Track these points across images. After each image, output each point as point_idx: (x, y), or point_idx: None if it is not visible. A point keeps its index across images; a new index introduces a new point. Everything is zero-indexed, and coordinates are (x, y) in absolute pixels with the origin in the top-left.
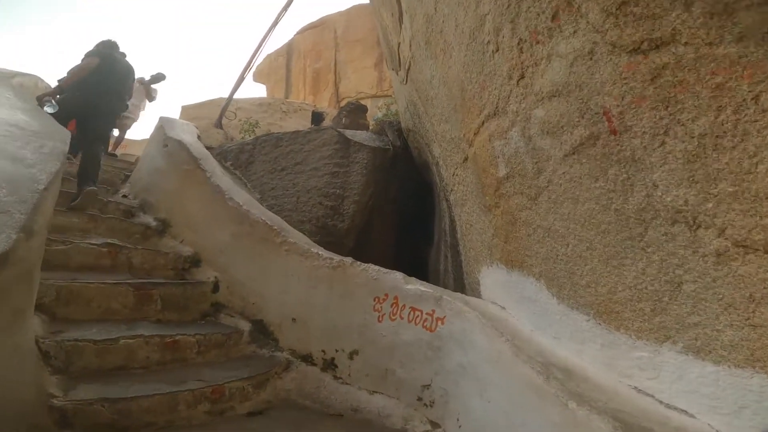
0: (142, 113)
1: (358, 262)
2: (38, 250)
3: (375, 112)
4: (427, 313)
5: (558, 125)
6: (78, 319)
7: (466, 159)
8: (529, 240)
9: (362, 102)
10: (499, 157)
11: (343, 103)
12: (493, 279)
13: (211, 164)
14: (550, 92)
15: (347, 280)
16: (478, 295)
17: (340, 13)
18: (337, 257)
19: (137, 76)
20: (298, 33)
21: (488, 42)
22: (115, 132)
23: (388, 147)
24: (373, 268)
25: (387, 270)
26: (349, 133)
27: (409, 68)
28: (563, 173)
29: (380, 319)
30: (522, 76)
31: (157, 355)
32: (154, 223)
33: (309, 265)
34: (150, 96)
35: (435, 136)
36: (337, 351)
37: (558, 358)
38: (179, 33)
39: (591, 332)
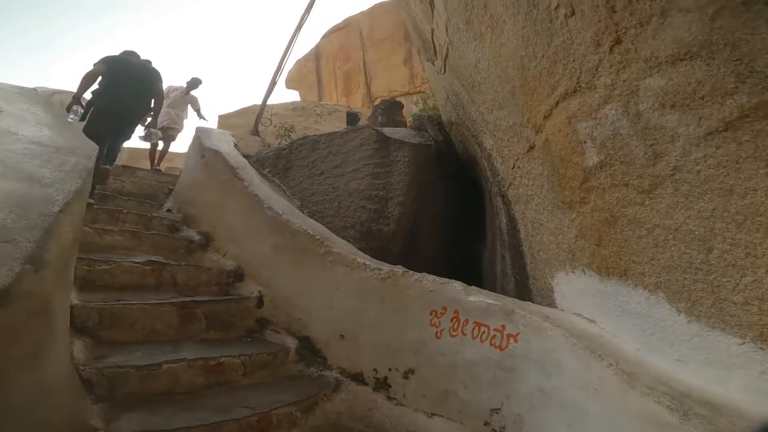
0: (186, 122)
1: (411, 272)
2: (56, 280)
3: (411, 108)
4: (495, 330)
5: (693, 96)
6: (122, 341)
7: (531, 148)
8: (638, 243)
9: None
10: (586, 142)
11: (376, 103)
12: (575, 287)
13: (249, 173)
14: (673, 56)
15: (399, 293)
16: (551, 303)
17: (363, 13)
18: (386, 267)
19: (175, 84)
20: (323, 36)
21: (557, 6)
22: (160, 144)
23: (429, 142)
24: (428, 279)
25: (444, 280)
26: (387, 131)
27: (446, 55)
28: (703, 157)
29: (438, 335)
30: (617, 41)
31: (202, 378)
32: (197, 237)
33: (356, 277)
34: (194, 104)
35: (485, 126)
36: (390, 370)
37: (691, 387)
38: (210, 40)
39: (744, 357)
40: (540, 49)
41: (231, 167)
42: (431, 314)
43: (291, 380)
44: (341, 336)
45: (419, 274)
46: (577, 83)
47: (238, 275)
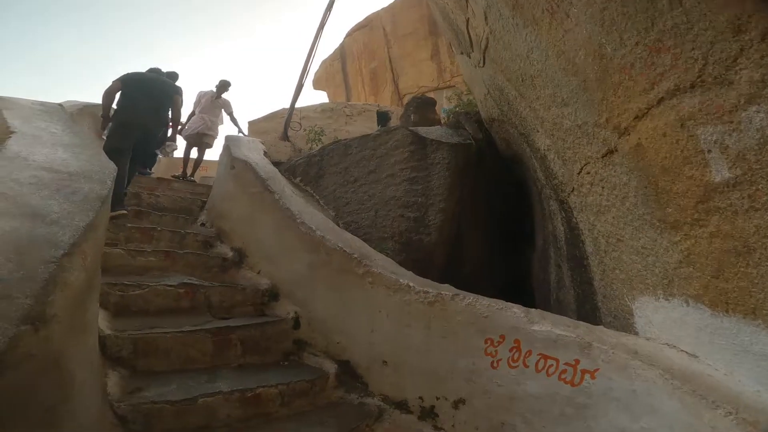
0: (221, 128)
1: (461, 295)
2: (67, 330)
3: (443, 104)
4: (566, 364)
5: None
6: (159, 371)
7: (610, 152)
8: None
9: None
10: (710, 151)
11: (405, 100)
12: (669, 316)
13: (280, 184)
14: None
15: (448, 318)
16: (629, 327)
17: (384, 10)
18: (433, 289)
19: (205, 89)
20: (347, 36)
21: None
22: (193, 153)
23: (469, 142)
24: (481, 303)
25: (501, 304)
26: (422, 131)
27: (486, 47)
28: None
29: (495, 364)
30: None
31: (239, 411)
32: (230, 254)
33: (399, 299)
34: (227, 108)
35: (539, 124)
36: (438, 399)
37: None
38: (234, 45)
39: None
40: (632, 35)
41: (261, 179)
42: (486, 342)
43: (331, 408)
44: (384, 362)
45: (471, 296)
46: (699, 77)
47: (273, 294)
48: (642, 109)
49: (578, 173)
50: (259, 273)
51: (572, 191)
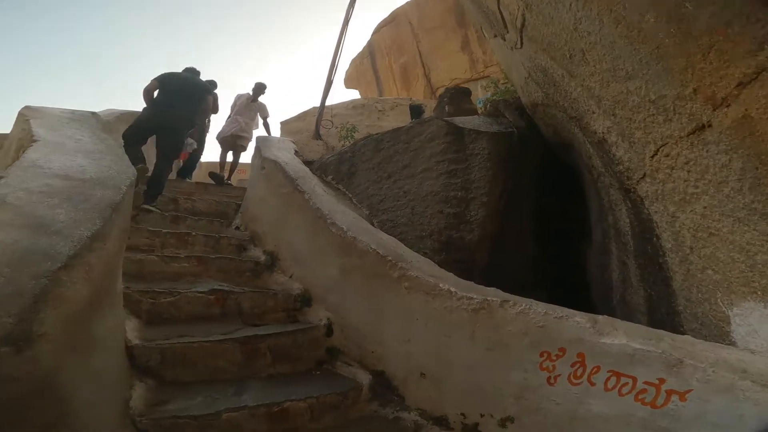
0: (256, 131)
1: (512, 301)
2: (64, 348)
3: (478, 95)
4: (646, 383)
5: None
6: (187, 381)
7: (700, 128)
8: None
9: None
10: None
11: (438, 94)
12: None
13: (310, 183)
14: None
15: (496, 328)
16: (724, 337)
17: (409, 4)
18: (478, 295)
19: (242, 92)
20: (374, 32)
21: None
22: (229, 157)
23: (510, 129)
24: (536, 311)
25: (560, 311)
26: (458, 121)
27: (522, 25)
28: None
29: (551, 381)
30: None
31: (265, 427)
32: (263, 258)
33: (438, 306)
34: (262, 111)
35: (595, 104)
36: (482, 416)
37: None
38: (264, 46)
39: None
40: None
41: (290, 179)
42: (542, 356)
43: (364, 423)
44: (422, 374)
45: (523, 303)
46: None
47: (305, 299)
48: (748, 75)
49: (652, 156)
50: (291, 277)
51: (642, 178)
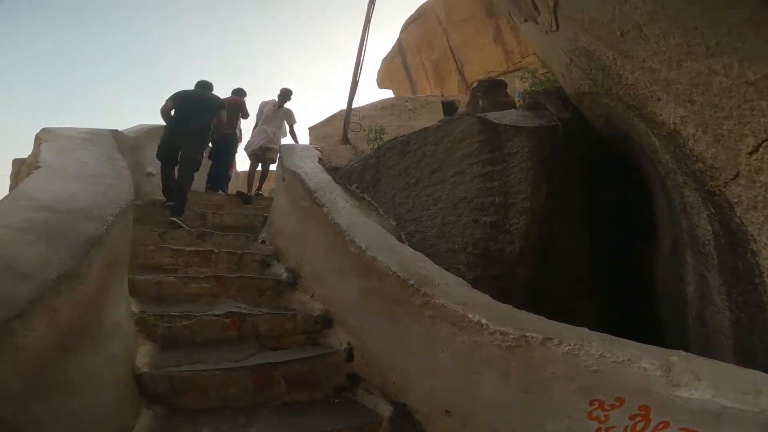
0: (284, 139)
1: (557, 339)
2: (22, 402)
3: (515, 87)
4: None
5: None
6: (197, 409)
7: None
8: None
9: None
10: None
11: (473, 87)
12: None
13: (330, 195)
14: None
15: (536, 369)
16: None
17: None
18: (515, 330)
19: (267, 99)
20: (402, 31)
21: None
22: (259, 167)
23: (554, 123)
24: (588, 352)
25: (621, 353)
26: (493, 117)
27: (556, 2)
28: None
29: None
30: None
31: None
32: (285, 275)
33: (467, 340)
34: (289, 118)
35: (662, 89)
36: None
37: None
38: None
39: None
40: None
41: (309, 191)
42: (592, 404)
43: None
44: (447, 411)
45: (572, 341)
46: None
47: (326, 321)
48: None
49: (749, 153)
50: (312, 296)
51: (734, 179)
